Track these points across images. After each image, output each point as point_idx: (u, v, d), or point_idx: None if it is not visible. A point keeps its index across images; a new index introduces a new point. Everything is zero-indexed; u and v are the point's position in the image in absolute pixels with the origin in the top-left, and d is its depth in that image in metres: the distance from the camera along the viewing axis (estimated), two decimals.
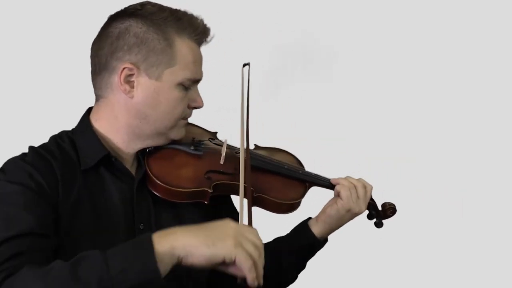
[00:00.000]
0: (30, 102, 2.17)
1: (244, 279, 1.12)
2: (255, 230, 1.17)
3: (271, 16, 2.37)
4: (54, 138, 1.40)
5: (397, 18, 2.47)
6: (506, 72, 2.51)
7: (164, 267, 1.06)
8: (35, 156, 1.31)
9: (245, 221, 1.29)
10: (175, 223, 1.38)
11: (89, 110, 1.45)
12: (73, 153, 1.36)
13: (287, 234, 1.60)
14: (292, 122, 2.35)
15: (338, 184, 1.54)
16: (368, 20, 2.48)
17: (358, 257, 2.42)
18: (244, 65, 1.54)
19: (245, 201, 1.35)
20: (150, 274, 1.04)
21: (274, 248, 1.57)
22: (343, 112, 2.46)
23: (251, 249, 1.11)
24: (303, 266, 1.60)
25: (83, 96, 1.51)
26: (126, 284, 1.03)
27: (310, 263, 1.63)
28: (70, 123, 1.46)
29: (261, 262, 1.14)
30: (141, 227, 1.37)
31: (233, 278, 1.15)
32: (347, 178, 1.56)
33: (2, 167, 1.30)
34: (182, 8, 1.41)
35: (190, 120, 1.51)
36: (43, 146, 1.37)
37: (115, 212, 1.34)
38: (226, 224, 1.14)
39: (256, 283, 1.13)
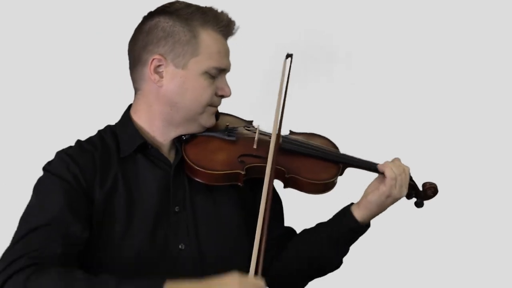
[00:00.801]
0: (85, 100, 2.34)
1: None
2: (260, 283, 1.25)
3: (276, 16, 2.41)
4: (99, 132, 1.53)
5: (399, 19, 2.46)
6: (506, 74, 2.47)
7: None
8: (77, 149, 1.45)
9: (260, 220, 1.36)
10: (209, 206, 1.50)
11: (130, 106, 1.57)
12: (113, 144, 1.48)
13: (329, 220, 1.61)
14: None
15: (386, 168, 1.53)
16: (370, 21, 2.48)
17: (358, 258, 2.43)
18: (287, 56, 1.61)
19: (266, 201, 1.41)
20: None
21: (317, 233, 1.60)
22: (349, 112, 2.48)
23: None
24: (345, 251, 1.60)
25: (128, 94, 1.61)
26: None
27: None
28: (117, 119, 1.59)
29: None
30: (176, 210, 1.46)
31: None
32: (391, 165, 1.54)
33: (52, 158, 1.44)
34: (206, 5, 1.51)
35: (226, 110, 1.59)
36: (88, 139, 1.50)
37: (150, 196, 1.44)
38: (230, 281, 1.20)
39: None
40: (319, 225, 1.62)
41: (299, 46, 2.34)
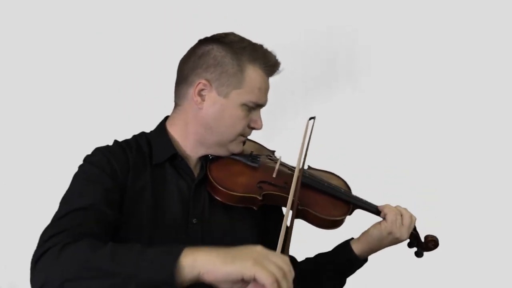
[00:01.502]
0: (122, 109, 2.41)
1: None
2: (285, 257, 1.20)
3: (275, 17, 2.44)
4: (135, 136, 1.65)
5: (401, 21, 2.50)
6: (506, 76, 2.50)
7: (182, 277, 1.17)
8: (116, 146, 1.57)
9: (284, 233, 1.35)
10: (225, 222, 1.60)
11: (166, 118, 1.69)
12: (147, 150, 1.60)
13: (330, 251, 1.72)
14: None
15: (385, 208, 1.66)
16: (370, 21, 2.51)
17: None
18: (310, 118, 1.72)
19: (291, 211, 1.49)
20: (168, 280, 1.16)
21: (315, 260, 1.72)
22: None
23: (273, 268, 1.14)
24: (342, 282, 1.71)
25: (163, 106, 1.72)
26: (147, 281, 1.18)
27: None
28: (151, 128, 1.69)
29: (286, 284, 1.15)
30: (194, 221, 1.56)
31: None
32: (396, 206, 1.68)
33: (92, 152, 1.56)
34: (259, 42, 1.61)
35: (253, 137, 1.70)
36: (125, 140, 1.62)
37: (173, 205, 1.55)
38: (253, 248, 1.19)
39: None
40: (318, 256, 1.74)
41: (299, 46, 2.40)
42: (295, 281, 1.57)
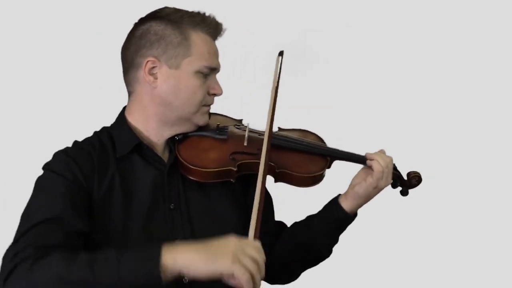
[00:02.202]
0: (79, 103, 2.38)
1: None
2: (257, 244, 1.26)
3: (273, 16, 2.45)
4: (95, 133, 1.58)
5: (401, 20, 2.51)
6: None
7: (166, 277, 1.20)
8: (76, 149, 1.50)
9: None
10: (203, 202, 1.56)
11: (124, 108, 1.61)
12: (109, 144, 1.53)
13: (319, 212, 1.67)
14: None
15: (374, 160, 1.60)
16: (369, 21, 2.53)
17: (357, 257, 2.47)
18: (279, 53, 1.67)
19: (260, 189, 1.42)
20: (153, 280, 1.20)
21: (307, 223, 1.67)
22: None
23: (249, 264, 1.21)
24: (335, 241, 1.67)
25: (122, 97, 1.65)
26: (132, 285, 1.20)
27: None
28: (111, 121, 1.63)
29: (259, 277, 1.23)
30: (172, 207, 1.51)
31: None
32: (377, 157, 1.60)
33: (51, 158, 1.49)
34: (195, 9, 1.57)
35: (217, 110, 1.65)
36: (85, 140, 1.55)
37: (146, 194, 1.49)
38: (229, 242, 1.24)
39: None
40: (309, 217, 1.68)
41: (299, 46, 2.39)
42: (287, 249, 1.63)
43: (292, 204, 1.90)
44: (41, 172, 1.46)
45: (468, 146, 2.53)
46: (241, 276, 1.20)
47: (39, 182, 1.43)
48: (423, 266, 2.52)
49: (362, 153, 1.64)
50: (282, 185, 1.62)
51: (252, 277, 1.21)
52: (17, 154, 2.37)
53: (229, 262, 1.20)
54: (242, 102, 2.03)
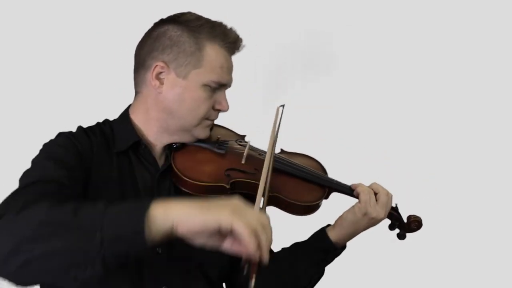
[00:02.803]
0: (84, 98, 2.38)
1: (248, 260, 1.07)
2: (266, 215, 1.13)
3: (274, 16, 2.43)
4: (98, 123, 1.57)
5: (401, 20, 2.49)
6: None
7: (153, 230, 1.05)
8: (80, 132, 1.49)
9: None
10: None
11: (129, 106, 1.59)
12: (110, 137, 1.51)
13: (306, 240, 1.63)
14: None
15: (357, 187, 1.57)
16: (369, 21, 2.50)
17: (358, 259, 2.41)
18: (280, 106, 1.61)
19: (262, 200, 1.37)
20: (136, 233, 1.04)
21: (290, 251, 1.62)
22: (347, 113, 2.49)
23: (252, 219, 1.05)
24: (319, 272, 1.62)
25: (128, 94, 1.63)
26: (113, 234, 1.04)
27: None
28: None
29: (265, 237, 1.06)
30: None
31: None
32: (372, 184, 1.58)
33: (56, 136, 1.47)
34: (217, 19, 1.52)
35: (220, 122, 1.61)
36: (89, 127, 1.54)
37: (136, 196, 1.45)
38: (230, 199, 1.09)
39: (258, 256, 1.06)
40: (295, 246, 1.64)
41: (299, 46, 2.37)
42: (273, 271, 1.52)
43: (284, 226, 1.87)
44: None
45: (468, 146, 2.50)
46: (242, 229, 1.03)
47: (42, 151, 1.41)
48: (422, 266, 2.51)
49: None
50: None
51: (256, 235, 1.04)
52: (18, 152, 2.36)
53: (227, 212, 1.04)
54: (246, 118, 1.98)
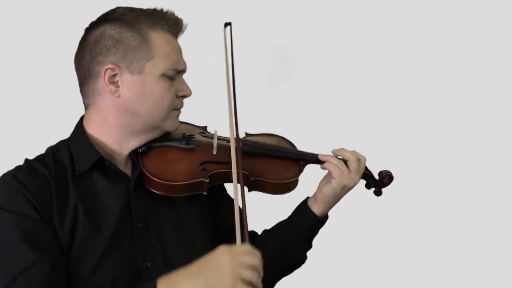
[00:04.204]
0: (30, 110, 2.26)
1: None
2: (249, 247, 1.21)
3: (274, 16, 2.43)
4: (51, 149, 1.42)
5: (400, 19, 2.51)
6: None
7: None
8: (29, 172, 1.32)
9: (239, 204, 1.32)
10: (172, 219, 1.44)
11: (83, 117, 1.46)
12: (68, 162, 1.38)
13: (288, 217, 1.61)
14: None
15: (326, 162, 1.55)
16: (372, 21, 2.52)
17: (356, 256, 2.47)
18: (226, 25, 1.55)
19: (240, 189, 1.37)
20: None
21: (278, 232, 1.59)
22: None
23: (249, 275, 1.17)
24: (309, 246, 1.61)
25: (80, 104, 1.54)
26: None
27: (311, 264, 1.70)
28: (69, 131, 1.50)
29: (259, 280, 1.20)
30: (139, 226, 1.39)
31: None
32: (340, 151, 1.56)
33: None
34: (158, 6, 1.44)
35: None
36: (38, 158, 1.39)
37: (112, 215, 1.36)
38: (223, 259, 1.17)
39: None
40: (279, 224, 1.62)
41: (299, 46, 2.39)
42: (267, 259, 1.44)
43: (263, 207, 1.88)
44: None
45: (468, 146, 2.54)
46: None
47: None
48: (423, 266, 2.53)
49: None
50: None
51: (254, 286, 1.18)
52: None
53: (229, 284, 1.15)
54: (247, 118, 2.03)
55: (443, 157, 2.51)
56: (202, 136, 1.58)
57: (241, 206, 1.32)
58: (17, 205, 1.25)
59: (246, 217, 1.29)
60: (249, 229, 1.60)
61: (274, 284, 1.64)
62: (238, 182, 1.39)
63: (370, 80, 2.52)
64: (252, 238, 1.63)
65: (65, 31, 2.20)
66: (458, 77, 2.53)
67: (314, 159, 1.60)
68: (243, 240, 1.24)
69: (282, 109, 2.03)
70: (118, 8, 1.42)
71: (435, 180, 2.48)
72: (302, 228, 1.56)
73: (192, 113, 1.60)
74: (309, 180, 1.63)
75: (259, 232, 1.67)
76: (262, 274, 1.20)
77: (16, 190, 1.27)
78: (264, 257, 1.45)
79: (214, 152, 1.51)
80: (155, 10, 1.42)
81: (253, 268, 1.17)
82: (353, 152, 1.57)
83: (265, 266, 1.49)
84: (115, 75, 1.37)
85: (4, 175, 1.32)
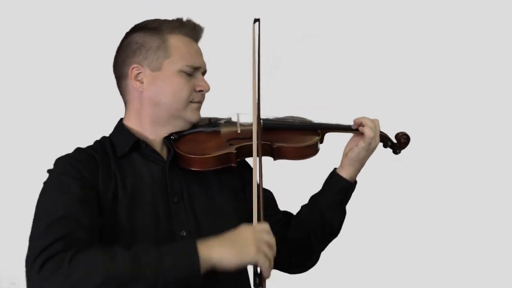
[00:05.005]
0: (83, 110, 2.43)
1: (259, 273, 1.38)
2: (267, 226, 1.41)
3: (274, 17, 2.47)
4: (97, 141, 1.65)
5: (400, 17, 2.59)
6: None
7: (202, 270, 1.31)
8: (78, 151, 1.56)
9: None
10: (205, 197, 1.61)
11: (121, 119, 1.70)
12: (110, 148, 1.59)
13: (321, 189, 1.72)
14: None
15: (362, 125, 1.67)
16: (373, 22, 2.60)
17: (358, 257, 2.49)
18: (255, 21, 1.70)
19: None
20: (193, 273, 1.30)
21: (313, 201, 1.71)
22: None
23: (267, 250, 1.37)
24: (344, 212, 1.71)
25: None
26: (173, 277, 1.28)
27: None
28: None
29: (273, 256, 1.38)
30: (175, 200, 1.56)
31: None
32: (366, 121, 1.67)
33: (54, 163, 1.52)
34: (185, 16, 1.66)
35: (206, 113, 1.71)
36: (87, 146, 1.61)
37: (149, 189, 1.54)
38: (246, 234, 1.37)
39: (269, 275, 1.38)
40: (313, 196, 1.73)
41: (299, 46, 2.41)
42: (300, 232, 1.68)
43: (293, 195, 1.90)
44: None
45: (468, 146, 2.55)
46: (263, 264, 1.35)
47: (47, 184, 1.47)
48: (423, 266, 2.53)
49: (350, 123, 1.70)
50: (281, 177, 1.70)
51: (270, 261, 1.37)
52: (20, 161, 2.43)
53: (254, 253, 1.34)
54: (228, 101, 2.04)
55: (443, 157, 2.53)
56: (227, 122, 1.76)
57: (257, 188, 1.48)
58: (71, 171, 1.46)
59: (263, 197, 1.46)
60: (283, 210, 1.78)
61: (318, 257, 1.76)
62: (263, 154, 1.56)
63: (370, 80, 2.56)
64: (287, 217, 1.76)
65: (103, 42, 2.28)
66: (458, 77, 2.57)
67: (333, 126, 1.73)
68: (259, 220, 1.44)
69: (282, 109, 2.02)
70: (146, 20, 1.67)
71: (435, 180, 2.49)
72: (334, 192, 1.68)
73: (216, 105, 1.75)
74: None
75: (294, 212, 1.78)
76: (275, 253, 1.39)
77: (69, 161, 1.49)
78: (302, 230, 1.67)
79: (238, 131, 1.69)
80: (177, 18, 1.66)
81: (271, 246, 1.38)
82: (364, 117, 1.70)
83: (306, 238, 1.67)
84: (139, 73, 1.61)
85: (59, 157, 1.54)
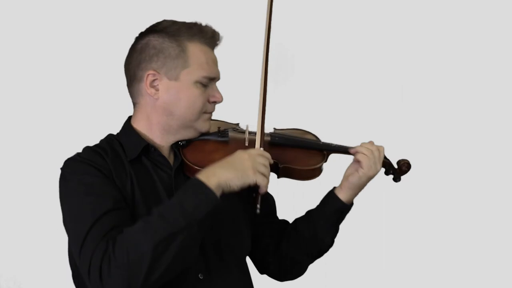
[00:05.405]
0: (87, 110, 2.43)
1: (255, 190, 1.49)
2: (260, 150, 1.53)
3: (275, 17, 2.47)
4: (104, 139, 1.66)
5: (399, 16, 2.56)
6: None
7: (218, 196, 1.40)
8: (89, 151, 1.56)
9: None
10: None
11: (130, 117, 1.70)
12: (120, 149, 1.60)
13: (317, 205, 1.75)
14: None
15: (358, 153, 1.68)
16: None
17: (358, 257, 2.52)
18: None
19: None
20: (214, 202, 1.39)
21: (308, 218, 1.74)
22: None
23: (263, 169, 1.47)
24: (336, 231, 1.74)
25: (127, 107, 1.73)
26: (201, 213, 1.37)
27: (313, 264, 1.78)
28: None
29: (268, 172, 1.49)
30: None
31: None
32: (363, 145, 1.69)
33: (62, 169, 1.54)
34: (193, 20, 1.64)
35: (215, 115, 1.72)
36: (95, 145, 1.62)
37: (157, 196, 1.56)
38: (243, 157, 1.47)
39: (267, 190, 1.49)
40: (309, 212, 1.76)
41: (299, 47, 2.41)
42: (296, 242, 1.72)
43: (292, 201, 1.99)
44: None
45: (468, 146, 2.56)
46: (262, 182, 1.46)
47: (67, 189, 1.49)
48: (423, 266, 2.56)
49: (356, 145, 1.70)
50: (283, 185, 1.70)
51: (268, 179, 1.48)
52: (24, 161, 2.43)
53: (252, 175, 1.44)
54: (236, 106, 2.04)
55: (444, 157, 2.54)
56: (235, 131, 1.76)
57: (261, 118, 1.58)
58: (89, 170, 1.49)
59: (264, 125, 1.59)
60: (281, 219, 1.83)
61: (305, 270, 1.81)
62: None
63: (370, 80, 2.56)
64: (284, 226, 1.80)
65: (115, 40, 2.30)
66: (459, 77, 2.56)
67: (339, 149, 1.74)
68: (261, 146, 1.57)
69: (282, 109, 2.02)
70: (164, 20, 1.64)
71: (435, 180, 2.50)
72: (330, 212, 1.70)
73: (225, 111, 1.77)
74: (333, 174, 1.74)
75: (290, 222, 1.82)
76: (269, 171, 1.50)
77: (83, 161, 1.51)
78: (295, 243, 1.71)
79: (246, 144, 1.69)
80: (195, 23, 1.63)
81: (264, 165, 1.48)
82: (371, 143, 1.71)
83: (297, 251, 1.72)
84: (155, 80, 1.59)
85: (68, 159, 1.55)
